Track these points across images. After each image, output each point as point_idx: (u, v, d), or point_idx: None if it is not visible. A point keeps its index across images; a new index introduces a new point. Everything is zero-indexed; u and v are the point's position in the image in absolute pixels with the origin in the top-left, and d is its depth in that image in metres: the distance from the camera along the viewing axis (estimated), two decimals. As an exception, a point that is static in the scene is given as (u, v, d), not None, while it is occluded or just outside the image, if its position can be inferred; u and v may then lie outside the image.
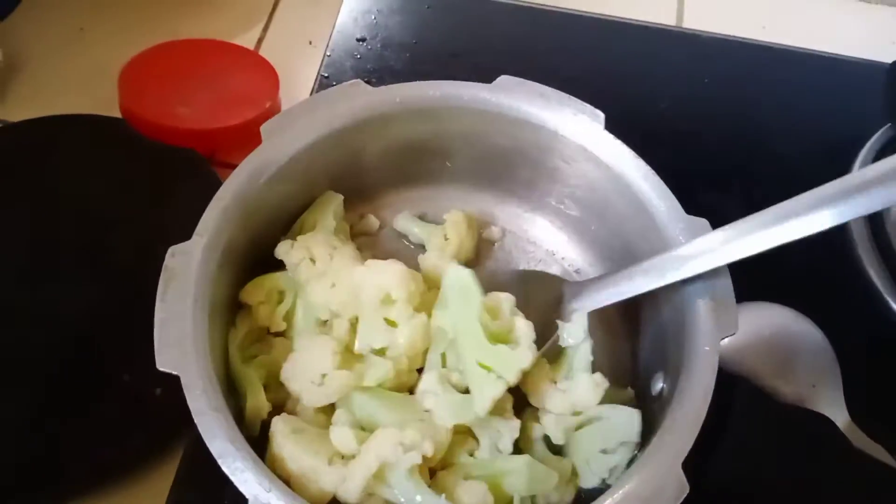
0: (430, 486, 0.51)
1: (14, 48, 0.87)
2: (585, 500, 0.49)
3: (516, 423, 0.56)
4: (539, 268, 0.70)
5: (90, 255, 0.74)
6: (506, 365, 0.53)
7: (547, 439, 0.57)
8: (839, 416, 0.63)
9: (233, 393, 0.55)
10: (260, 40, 0.92)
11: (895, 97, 0.82)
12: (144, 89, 0.83)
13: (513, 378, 0.53)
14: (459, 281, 0.56)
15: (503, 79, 0.63)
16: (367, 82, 0.62)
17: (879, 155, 0.79)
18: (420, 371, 0.58)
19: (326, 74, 0.82)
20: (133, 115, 0.82)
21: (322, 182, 0.64)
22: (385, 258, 0.59)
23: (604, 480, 0.55)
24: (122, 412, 0.66)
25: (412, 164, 0.68)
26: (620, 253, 0.65)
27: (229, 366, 0.56)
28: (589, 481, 0.55)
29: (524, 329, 0.55)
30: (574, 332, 0.59)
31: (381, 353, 0.56)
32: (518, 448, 0.56)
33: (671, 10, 0.97)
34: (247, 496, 0.45)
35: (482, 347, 0.53)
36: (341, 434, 0.52)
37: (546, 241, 0.71)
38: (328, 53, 0.84)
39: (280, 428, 0.51)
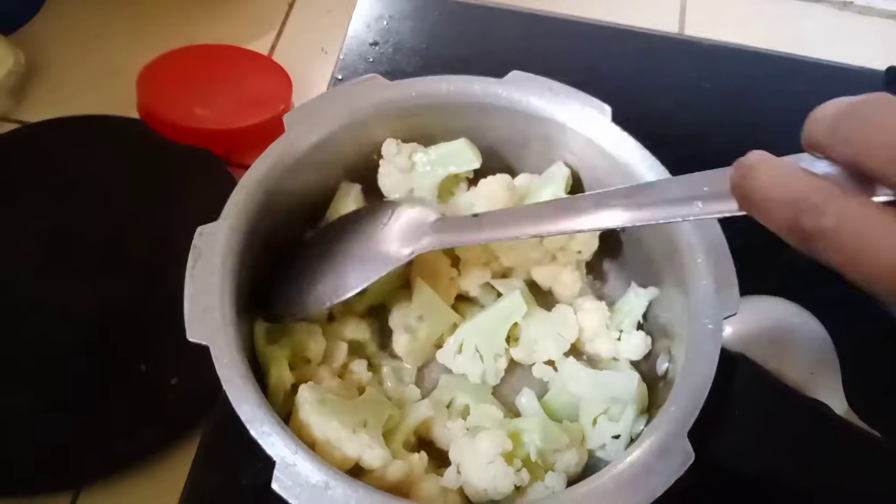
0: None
1: (35, 51, 0.89)
2: (597, 468, 0.51)
3: None
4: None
5: (107, 250, 0.76)
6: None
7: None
8: (837, 404, 0.64)
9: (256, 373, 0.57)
10: (273, 46, 0.95)
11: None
12: (162, 91, 0.85)
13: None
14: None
15: (514, 74, 0.65)
16: (382, 80, 0.65)
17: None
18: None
19: (340, 77, 0.85)
20: (151, 116, 0.84)
21: (340, 172, 0.66)
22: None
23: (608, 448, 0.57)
24: (138, 402, 0.68)
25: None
26: (626, 243, 0.67)
27: (254, 347, 0.58)
28: (595, 442, 0.58)
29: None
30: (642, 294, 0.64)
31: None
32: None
33: (673, 18, 1.00)
34: (274, 458, 0.46)
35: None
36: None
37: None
38: (341, 57, 0.87)
39: (307, 396, 0.52)
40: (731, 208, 0.40)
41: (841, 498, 0.55)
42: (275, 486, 0.46)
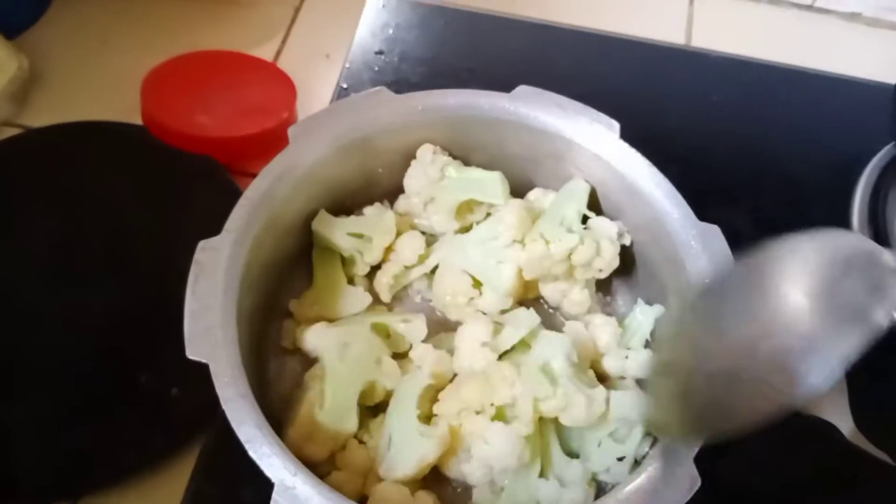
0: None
1: (38, 56, 0.89)
2: (603, 491, 0.51)
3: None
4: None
5: (109, 258, 0.75)
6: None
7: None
8: (843, 424, 0.63)
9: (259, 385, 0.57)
10: (278, 53, 0.94)
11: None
12: (166, 98, 0.85)
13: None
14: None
15: (521, 88, 0.65)
16: (387, 92, 0.64)
17: (883, 172, 0.81)
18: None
19: (345, 86, 0.84)
20: (154, 123, 0.83)
21: (344, 186, 0.65)
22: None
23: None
24: (139, 413, 0.67)
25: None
26: (633, 260, 0.67)
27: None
28: (600, 465, 0.57)
29: None
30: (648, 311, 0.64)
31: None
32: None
33: (680, 30, 0.99)
34: (273, 480, 0.46)
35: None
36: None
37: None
38: (347, 66, 0.86)
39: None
40: None
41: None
42: (273, 508, 0.45)
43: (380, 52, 0.88)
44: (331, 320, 0.63)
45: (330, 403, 0.57)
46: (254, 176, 0.59)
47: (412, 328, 0.64)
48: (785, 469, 0.55)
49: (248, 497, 0.59)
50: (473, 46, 0.91)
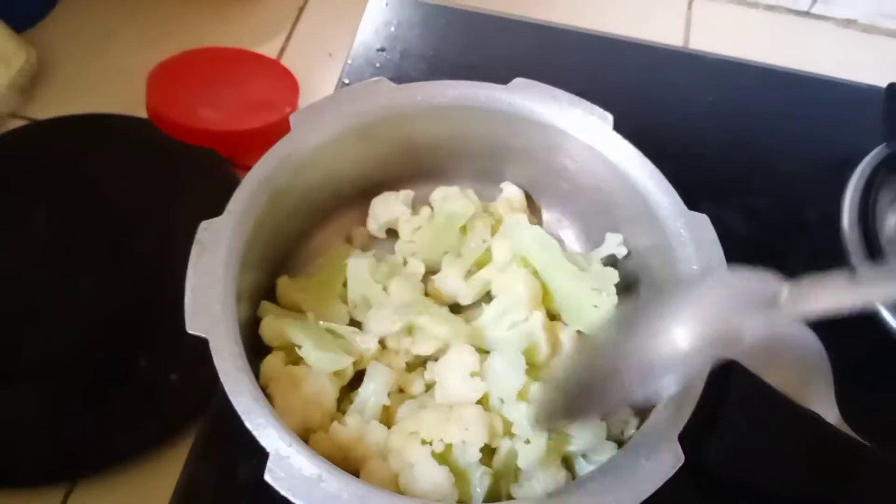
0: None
1: (46, 49, 0.90)
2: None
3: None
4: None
5: (112, 248, 0.76)
6: (604, 282, 0.64)
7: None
8: (830, 414, 0.64)
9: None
10: (282, 50, 0.95)
11: (892, 117, 0.85)
12: (171, 92, 0.86)
13: (613, 290, 0.64)
14: (534, 238, 0.66)
15: (518, 81, 0.66)
16: (388, 85, 0.66)
17: (874, 172, 0.82)
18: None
19: (347, 81, 0.86)
20: (159, 117, 0.84)
21: (345, 173, 0.67)
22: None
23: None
24: (138, 398, 0.68)
25: (429, 161, 0.71)
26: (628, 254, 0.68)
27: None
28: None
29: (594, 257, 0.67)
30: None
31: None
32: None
33: (678, 32, 1.00)
34: (268, 450, 0.47)
35: (580, 277, 0.64)
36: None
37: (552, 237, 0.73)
38: (349, 62, 0.87)
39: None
40: None
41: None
42: (268, 477, 0.46)
43: (381, 49, 0.89)
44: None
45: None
46: (257, 170, 0.61)
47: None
48: (768, 453, 0.56)
49: (243, 480, 0.60)
50: (473, 45, 0.93)
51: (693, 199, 0.62)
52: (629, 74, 0.93)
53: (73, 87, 0.90)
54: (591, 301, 0.63)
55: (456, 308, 0.66)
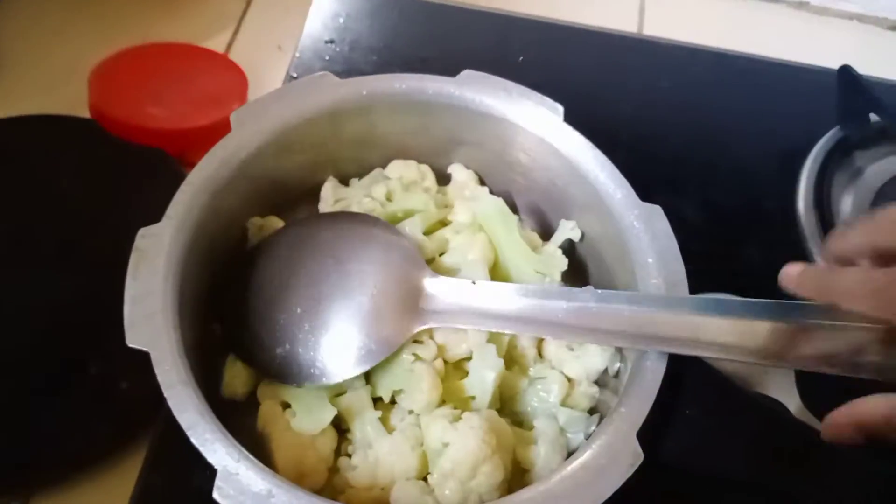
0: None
1: (-11, 49, 0.88)
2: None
3: None
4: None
5: (60, 251, 0.74)
6: (551, 267, 0.63)
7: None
8: (791, 401, 0.65)
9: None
10: (230, 44, 0.93)
11: (845, 100, 0.85)
12: (115, 90, 0.84)
13: (558, 276, 0.63)
14: (496, 206, 0.65)
15: (467, 73, 0.65)
16: (335, 79, 0.64)
17: (828, 156, 0.82)
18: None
19: (295, 75, 0.84)
20: (103, 116, 0.82)
21: (289, 172, 0.65)
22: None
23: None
24: (88, 405, 0.67)
25: (378, 157, 0.69)
26: (581, 244, 0.67)
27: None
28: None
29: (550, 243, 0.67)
30: None
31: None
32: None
33: (632, 18, 1.00)
34: (216, 466, 0.45)
35: (530, 257, 0.63)
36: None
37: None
38: (297, 55, 0.86)
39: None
40: None
41: (791, 497, 0.55)
42: (216, 494, 0.45)
43: (330, 42, 0.88)
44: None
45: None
46: (204, 167, 0.59)
47: None
48: (728, 446, 0.56)
49: (198, 488, 0.58)
50: (426, 36, 0.92)
51: (648, 189, 0.62)
52: (583, 62, 0.93)
53: (15, 87, 0.87)
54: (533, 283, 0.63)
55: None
